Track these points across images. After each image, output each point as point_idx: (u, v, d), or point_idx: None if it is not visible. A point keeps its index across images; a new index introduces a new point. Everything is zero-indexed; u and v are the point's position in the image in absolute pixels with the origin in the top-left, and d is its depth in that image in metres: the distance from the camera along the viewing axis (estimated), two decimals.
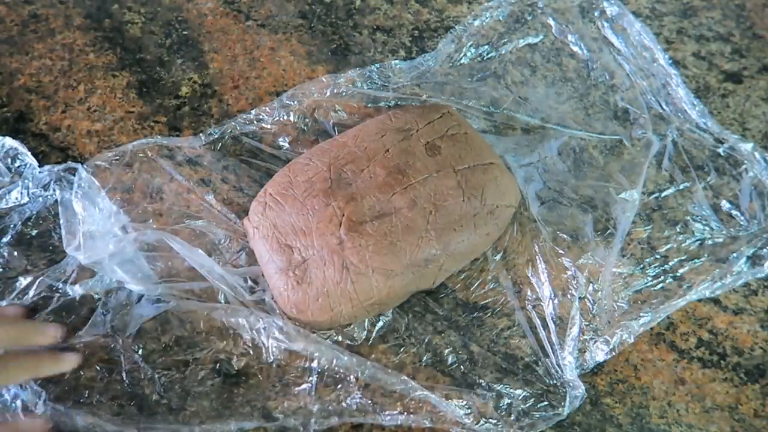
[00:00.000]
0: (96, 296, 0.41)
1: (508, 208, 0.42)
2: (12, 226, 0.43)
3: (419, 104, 0.49)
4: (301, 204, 0.40)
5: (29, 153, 0.44)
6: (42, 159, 0.47)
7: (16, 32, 0.54)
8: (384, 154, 0.41)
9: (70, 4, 0.56)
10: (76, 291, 0.41)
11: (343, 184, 0.40)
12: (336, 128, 0.48)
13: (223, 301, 0.41)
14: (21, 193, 0.43)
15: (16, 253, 0.43)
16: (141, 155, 0.46)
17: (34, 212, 0.44)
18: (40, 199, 0.44)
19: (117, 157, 0.45)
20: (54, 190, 0.43)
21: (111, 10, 0.56)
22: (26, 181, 0.43)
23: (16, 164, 0.44)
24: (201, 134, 0.47)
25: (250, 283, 0.42)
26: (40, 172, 0.44)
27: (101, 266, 0.40)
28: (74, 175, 0.43)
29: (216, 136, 0.47)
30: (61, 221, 0.41)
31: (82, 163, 0.47)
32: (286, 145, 0.48)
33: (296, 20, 0.55)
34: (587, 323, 0.42)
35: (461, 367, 0.41)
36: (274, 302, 0.41)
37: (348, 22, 0.55)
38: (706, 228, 0.46)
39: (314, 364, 0.40)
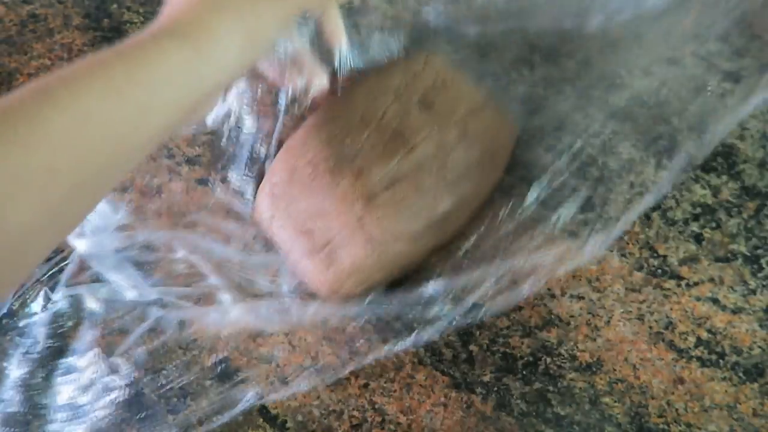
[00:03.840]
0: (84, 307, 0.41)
1: (508, 147, 0.43)
2: None
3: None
4: (310, 188, 0.40)
5: None
6: None
7: (14, 32, 0.54)
8: (379, 121, 0.40)
9: (69, 3, 0.56)
10: (58, 297, 0.41)
11: (347, 159, 0.39)
12: None
13: (228, 300, 0.41)
14: None
15: None
16: None
17: None
18: None
19: None
20: None
21: (110, 9, 0.56)
22: None
23: None
24: None
25: (269, 276, 0.42)
26: None
27: (99, 262, 0.40)
28: None
29: None
30: None
31: None
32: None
33: None
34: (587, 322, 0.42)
35: (460, 366, 0.41)
36: (297, 288, 0.41)
37: (348, 21, 0.55)
38: (706, 227, 0.46)
39: (315, 364, 0.40)
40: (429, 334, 0.40)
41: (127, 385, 0.39)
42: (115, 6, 0.56)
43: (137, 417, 0.38)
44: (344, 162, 0.39)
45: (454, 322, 0.40)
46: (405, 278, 0.42)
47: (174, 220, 0.44)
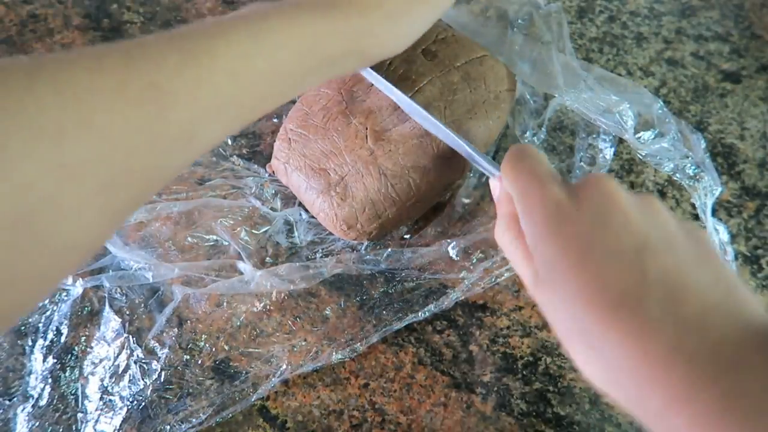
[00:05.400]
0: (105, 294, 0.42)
1: (510, 92, 0.45)
2: None
3: None
4: (324, 129, 0.42)
5: None
6: None
7: (14, 32, 0.54)
8: (387, 68, 0.43)
9: (69, 3, 0.56)
10: (77, 288, 0.41)
11: (358, 102, 0.42)
12: None
13: (248, 269, 0.42)
14: None
15: None
16: None
17: None
18: None
19: None
20: None
21: (110, 10, 0.56)
22: None
23: None
24: None
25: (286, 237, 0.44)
26: None
27: (114, 244, 0.41)
28: None
29: None
30: None
31: None
32: None
33: None
34: None
35: (460, 366, 0.41)
36: (312, 242, 0.44)
37: None
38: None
39: (315, 364, 0.40)
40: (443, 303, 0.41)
41: (163, 369, 0.40)
42: (115, 6, 0.56)
43: (176, 399, 0.39)
44: (355, 104, 0.42)
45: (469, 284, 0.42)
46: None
47: (202, 182, 0.46)
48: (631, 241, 0.26)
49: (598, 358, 0.25)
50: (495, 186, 0.35)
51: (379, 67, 0.43)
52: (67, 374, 0.40)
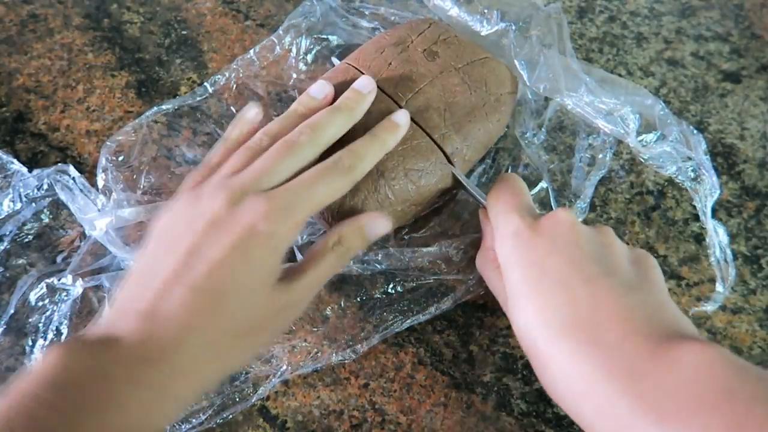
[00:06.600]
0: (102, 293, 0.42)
1: (511, 95, 0.45)
2: (8, 233, 0.43)
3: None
4: None
5: (15, 160, 0.44)
6: (41, 159, 0.47)
7: (14, 32, 0.54)
8: (388, 68, 0.43)
9: (69, 3, 0.56)
10: (77, 288, 0.41)
11: None
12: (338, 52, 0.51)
13: None
14: (13, 201, 0.44)
15: (13, 256, 0.43)
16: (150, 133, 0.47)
17: (29, 216, 0.44)
18: (33, 204, 0.44)
19: (134, 131, 0.46)
20: (47, 189, 0.43)
21: (110, 9, 0.56)
22: (17, 187, 0.44)
23: (2, 174, 0.44)
24: (206, 83, 0.48)
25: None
26: (30, 177, 0.44)
27: (114, 244, 0.41)
28: (67, 175, 0.43)
29: (222, 84, 0.48)
30: (75, 191, 0.41)
31: (80, 163, 0.47)
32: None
33: None
34: None
35: (460, 366, 0.41)
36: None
37: (348, 22, 0.55)
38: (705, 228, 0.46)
39: (315, 364, 0.40)
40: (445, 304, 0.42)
41: None
42: (115, 6, 0.56)
43: None
44: None
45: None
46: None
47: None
48: (576, 272, 0.32)
49: (545, 374, 0.32)
50: (483, 217, 0.40)
51: (379, 68, 0.43)
52: None
